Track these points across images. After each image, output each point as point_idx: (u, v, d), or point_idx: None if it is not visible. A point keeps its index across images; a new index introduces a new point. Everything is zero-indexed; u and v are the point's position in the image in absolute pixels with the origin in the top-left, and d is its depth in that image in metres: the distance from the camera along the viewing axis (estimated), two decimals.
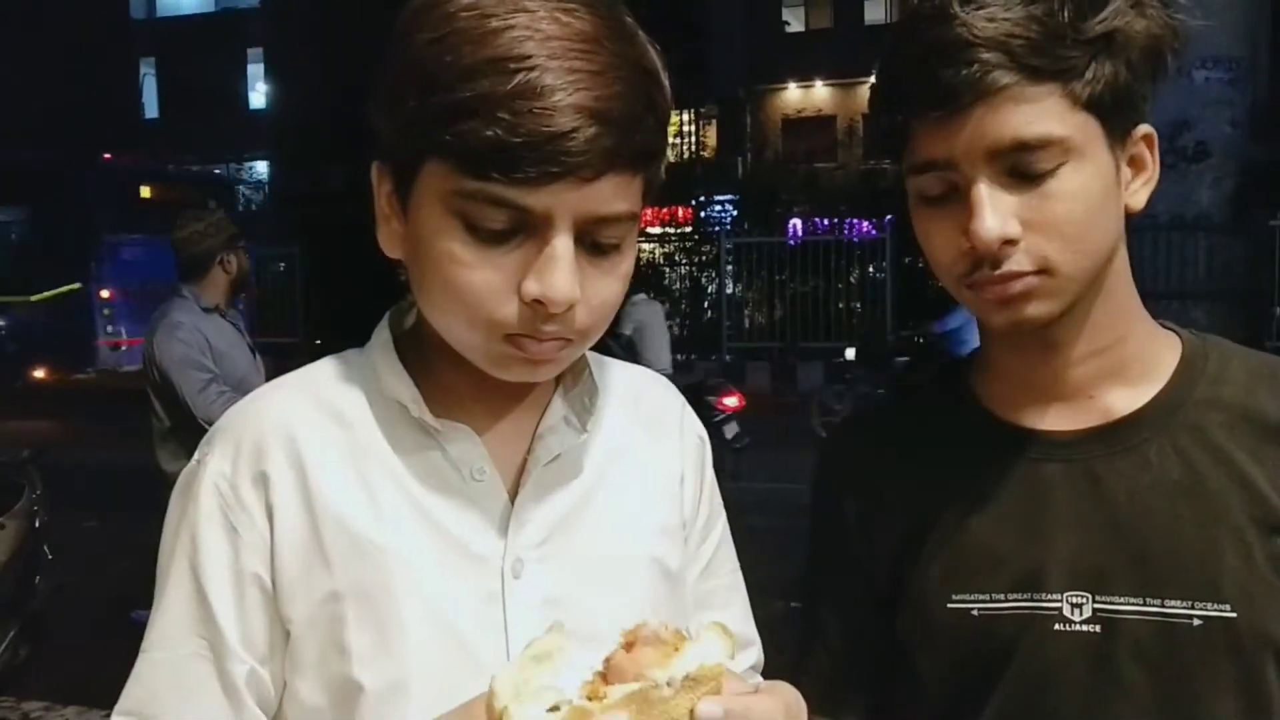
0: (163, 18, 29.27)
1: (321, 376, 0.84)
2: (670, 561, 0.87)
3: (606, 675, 0.64)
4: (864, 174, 19.70)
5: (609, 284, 0.75)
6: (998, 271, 0.82)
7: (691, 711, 0.62)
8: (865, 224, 15.10)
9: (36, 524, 4.03)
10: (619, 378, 0.92)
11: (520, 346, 0.73)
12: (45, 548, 4.07)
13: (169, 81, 28.16)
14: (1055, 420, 0.91)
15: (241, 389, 3.39)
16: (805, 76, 24.10)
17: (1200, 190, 2.76)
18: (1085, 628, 0.87)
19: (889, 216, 14.50)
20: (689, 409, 0.96)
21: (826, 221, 15.74)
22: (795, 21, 25.80)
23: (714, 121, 24.06)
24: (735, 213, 18.06)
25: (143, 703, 0.77)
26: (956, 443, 0.95)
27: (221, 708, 0.76)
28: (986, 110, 0.80)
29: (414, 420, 0.80)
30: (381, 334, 0.84)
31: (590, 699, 0.62)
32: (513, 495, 0.81)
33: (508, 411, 0.83)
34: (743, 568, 0.98)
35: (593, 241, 0.72)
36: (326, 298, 15.65)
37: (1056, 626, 0.87)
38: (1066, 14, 0.79)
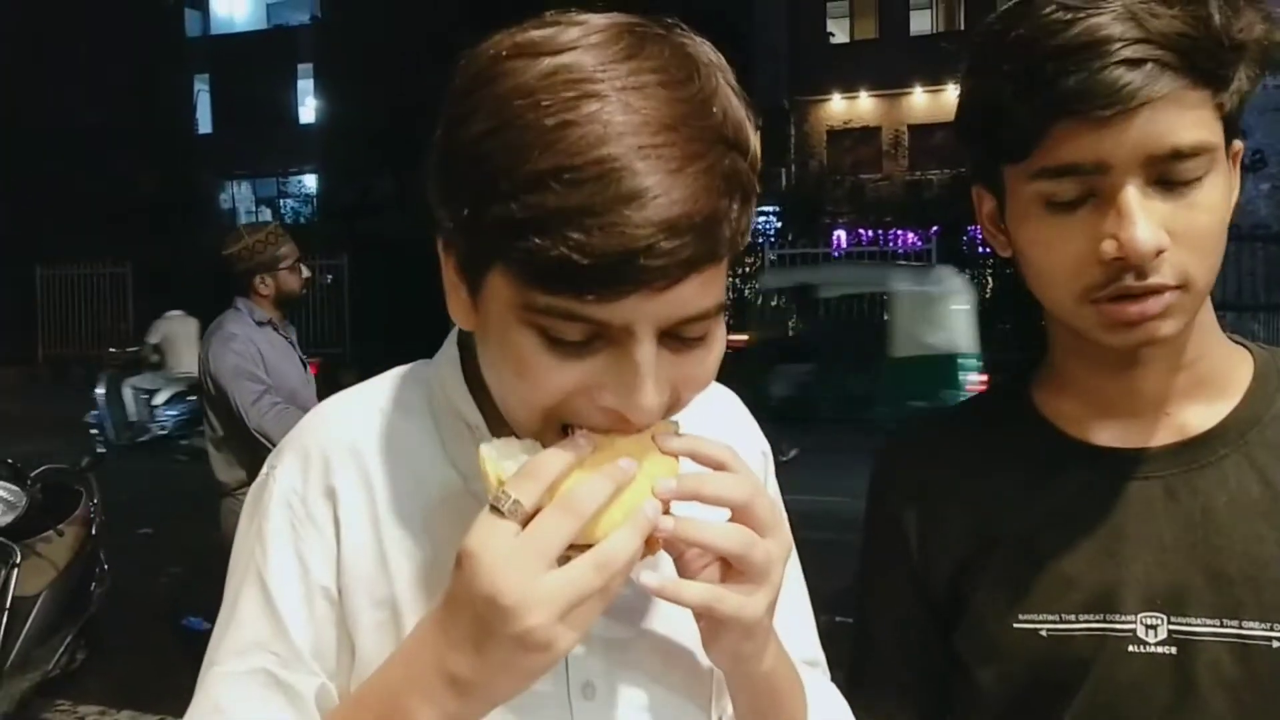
0: (216, 35, 29.92)
1: (388, 391, 0.83)
2: None
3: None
4: (909, 185, 19.56)
5: (695, 374, 0.69)
6: (1144, 283, 0.78)
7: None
8: (910, 235, 14.97)
9: (93, 531, 4.12)
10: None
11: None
12: (101, 554, 4.17)
13: (222, 97, 28.75)
14: (1130, 437, 0.89)
15: (293, 401, 3.44)
16: (850, 88, 23.98)
17: (1257, 200, 2.71)
18: (1161, 649, 0.84)
19: (934, 227, 14.38)
20: (752, 422, 0.95)
21: (871, 233, 15.63)
22: (840, 33, 25.68)
23: (758, 132, 23.92)
24: (779, 224, 18.00)
25: (210, 717, 0.75)
26: (1022, 459, 0.93)
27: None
28: (1153, 113, 0.75)
29: (478, 440, 0.77)
30: (449, 349, 0.82)
31: None
32: None
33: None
34: None
35: (677, 336, 0.67)
36: (374, 309, 15.86)
37: (1131, 648, 0.85)
38: (1219, 18, 0.75)
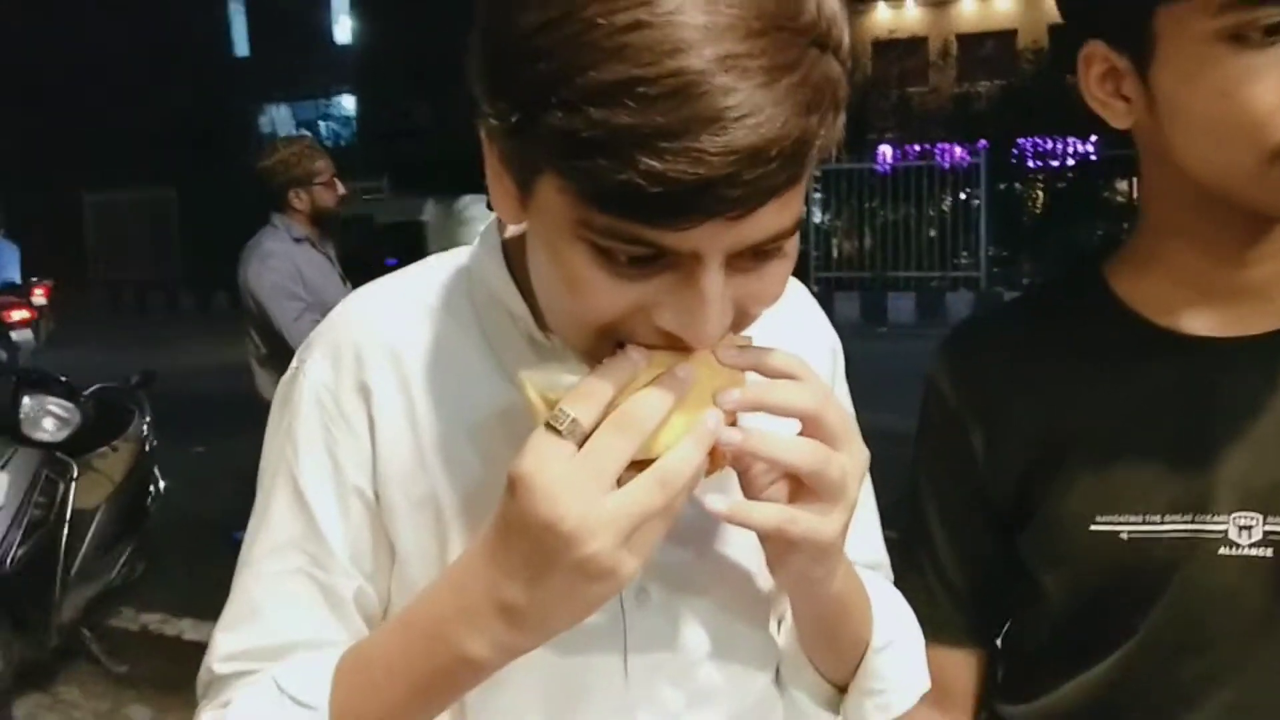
0: None
1: (424, 280, 0.78)
2: None
3: None
4: (957, 98, 19.00)
5: (764, 289, 0.63)
6: None
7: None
8: (958, 149, 14.59)
9: (147, 447, 4.22)
10: None
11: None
12: (156, 470, 4.27)
13: (257, 18, 28.52)
14: (1225, 324, 0.82)
15: None
16: None
17: None
18: (1255, 551, 0.79)
19: (982, 141, 14.00)
20: (822, 316, 0.89)
21: (918, 147, 15.26)
22: None
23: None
24: None
25: (244, 618, 0.73)
26: (1100, 349, 0.86)
27: (327, 623, 0.72)
28: None
29: (520, 335, 0.74)
30: (489, 238, 0.77)
31: None
32: None
33: None
34: None
35: (749, 254, 0.60)
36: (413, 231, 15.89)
37: (1221, 551, 0.80)
38: None
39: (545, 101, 0.54)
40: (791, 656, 0.81)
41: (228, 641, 0.73)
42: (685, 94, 0.52)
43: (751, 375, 0.65)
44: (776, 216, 0.58)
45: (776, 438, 0.63)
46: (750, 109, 0.52)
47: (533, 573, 0.60)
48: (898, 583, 0.90)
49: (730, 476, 0.67)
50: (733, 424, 0.62)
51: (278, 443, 0.76)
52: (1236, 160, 0.73)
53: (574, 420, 0.59)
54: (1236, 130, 0.72)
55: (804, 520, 0.63)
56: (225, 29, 28.36)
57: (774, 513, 0.64)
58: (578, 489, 0.57)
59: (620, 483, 0.59)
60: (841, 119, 0.59)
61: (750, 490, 0.66)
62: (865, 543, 0.87)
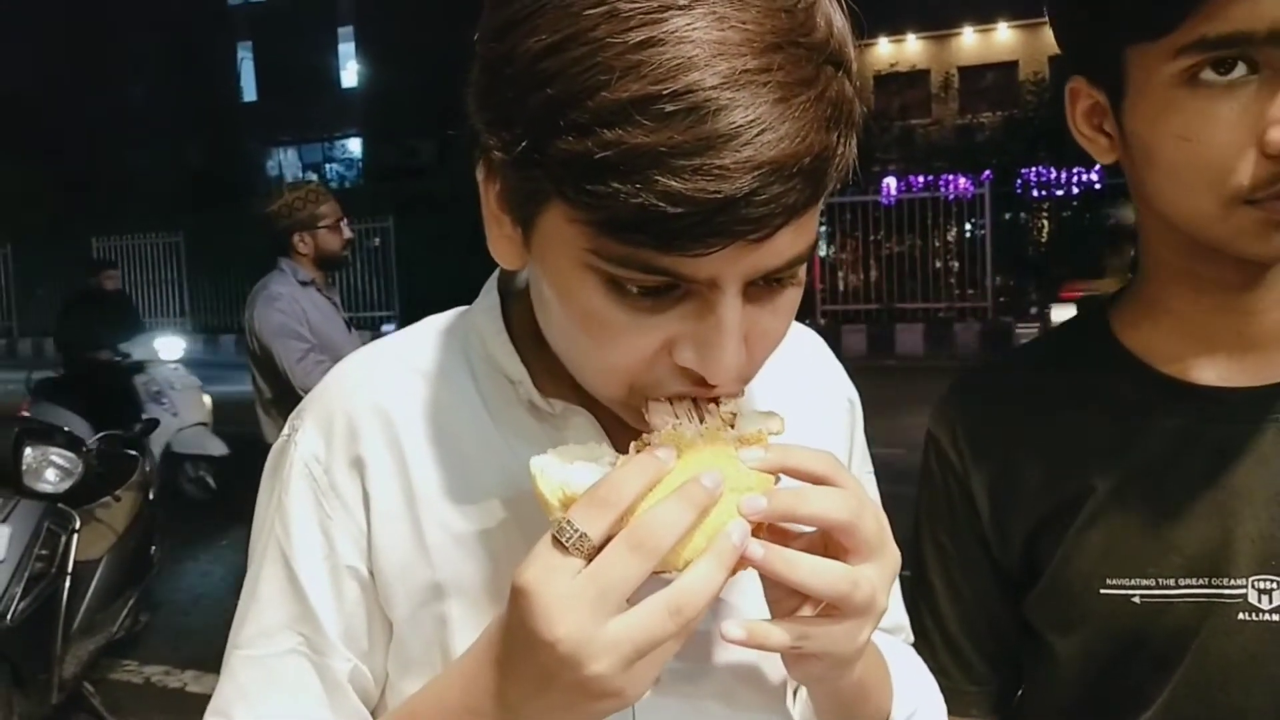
0: (257, 1, 30.02)
1: (420, 344, 0.75)
2: None
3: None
4: (960, 129, 19.08)
5: (775, 325, 0.61)
6: None
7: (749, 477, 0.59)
8: (962, 180, 14.62)
9: (150, 495, 4.18)
10: None
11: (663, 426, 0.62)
12: (159, 518, 4.23)
13: (265, 64, 28.88)
14: (1238, 375, 0.79)
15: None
16: (897, 30, 23.40)
17: None
18: (1277, 617, 0.75)
19: (986, 172, 14.03)
20: (837, 367, 0.85)
21: (922, 179, 15.29)
22: None
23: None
24: None
25: (236, 703, 0.71)
26: (1108, 402, 0.82)
27: (322, 706, 0.70)
28: None
29: (519, 400, 0.71)
30: (488, 296, 0.73)
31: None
32: None
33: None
34: None
35: (764, 280, 0.58)
36: (421, 271, 15.94)
37: (1240, 616, 0.76)
38: None
39: (554, 126, 0.52)
40: None
41: None
42: (701, 110, 0.50)
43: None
44: (794, 240, 0.56)
45: (800, 561, 0.58)
46: (769, 124, 0.51)
47: (535, 684, 0.57)
48: None
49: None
50: (759, 532, 0.58)
51: (269, 516, 0.73)
52: (1199, 204, 0.72)
53: (582, 535, 0.55)
54: (1196, 175, 0.71)
55: (824, 638, 0.59)
56: (234, 75, 28.72)
57: (793, 634, 0.59)
58: (579, 610, 0.54)
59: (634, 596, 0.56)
60: (855, 141, 0.57)
61: (771, 594, 0.62)
62: (890, 606, 0.82)
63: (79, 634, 3.50)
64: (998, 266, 13.89)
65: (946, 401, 0.93)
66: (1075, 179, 14.34)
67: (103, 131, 20.87)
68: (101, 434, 3.92)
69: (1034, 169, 14.65)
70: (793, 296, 0.61)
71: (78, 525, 3.48)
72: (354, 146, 27.46)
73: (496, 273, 0.74)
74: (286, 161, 29.32)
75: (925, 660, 0.87)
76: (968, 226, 14.24)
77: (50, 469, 3.41)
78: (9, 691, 3.07)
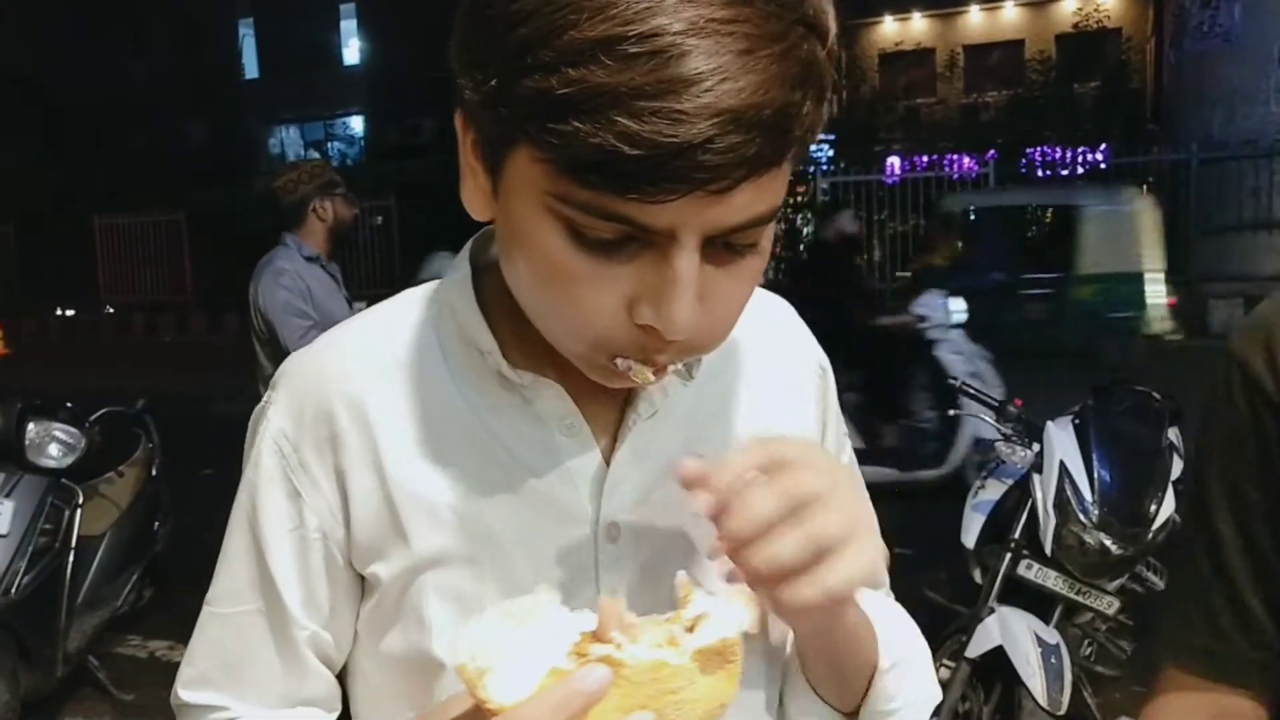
0: None
1: (392, 318, 0.76)
2: None
3: (598, 636, 0.55)
4: (965, 109, 18.98)
5: (736, 290, 0.62)
6: None
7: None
8: (967, 159, 14.55)
9: (153, 471, 4.19)
10: None
11: (624, 372, 0.63)
12: (163, 494, 4.24)
13: (267, 41, 28.72)
14: None
15: None
16: (902, 8, 23.22)
17: None
18: None
19: (991, 151, 13.96)
20: (808, 335, 0.85)
21: (926, 158, 15.22)
22: None
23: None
24: (831, 152, 17.63)
25: (201, 651, 0.77)
26: None
27: (281, 665, 0.75)
28: None
29: (491, 372, 0.72)
30: (461, 268, 0.75)
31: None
32: (607, 454, 0.72)
33: None
34: None
35: (725, 243, 0.59)
36: (422, 250, 15.92)
37: None
38: None
39: (523, 65, 0.53)
40: (797, 686, 0.78)
41: (190, 669, 0.78)
42: (665, 54, 0.51)
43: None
44: (754, 200, 0.56)
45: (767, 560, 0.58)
46: (731, 73, 0.51)
47: None
48: (1171, 608, 0.82)
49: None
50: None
51: (243, 487, 0.76)
52: None
53: None
54: None
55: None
56: (235, 52, 28.56)
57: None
58: None
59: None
60: (826, 110, 0.58)
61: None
62: None
63: (83, 608, 3.52)
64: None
65: (1257, 318, 0.80)
66: (1081, 159, 14.26)
67: (103, 109, 20.79)
68: (103, 410, 3.92)
69: (1039, 149, 14.58)
70: (754, 264, 0.62)
71: (81, 500, 3.49)
72: (356, 124, 27.34)
73: (469, 245, 0.76)
74: (288, 139, 29.20)
75: (1201, 623, 0.80)
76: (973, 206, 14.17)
77: (53, 444, 3.42)
78: (14, 665, 3.09)
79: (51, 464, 3.40)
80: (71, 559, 3.41)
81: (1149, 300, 8.14)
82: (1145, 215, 8.84)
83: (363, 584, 0.75)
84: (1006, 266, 9.95)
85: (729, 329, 0.64)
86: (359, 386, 0.73)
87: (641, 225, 0.55)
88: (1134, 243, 8.38)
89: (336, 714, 0.79)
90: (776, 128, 0.53)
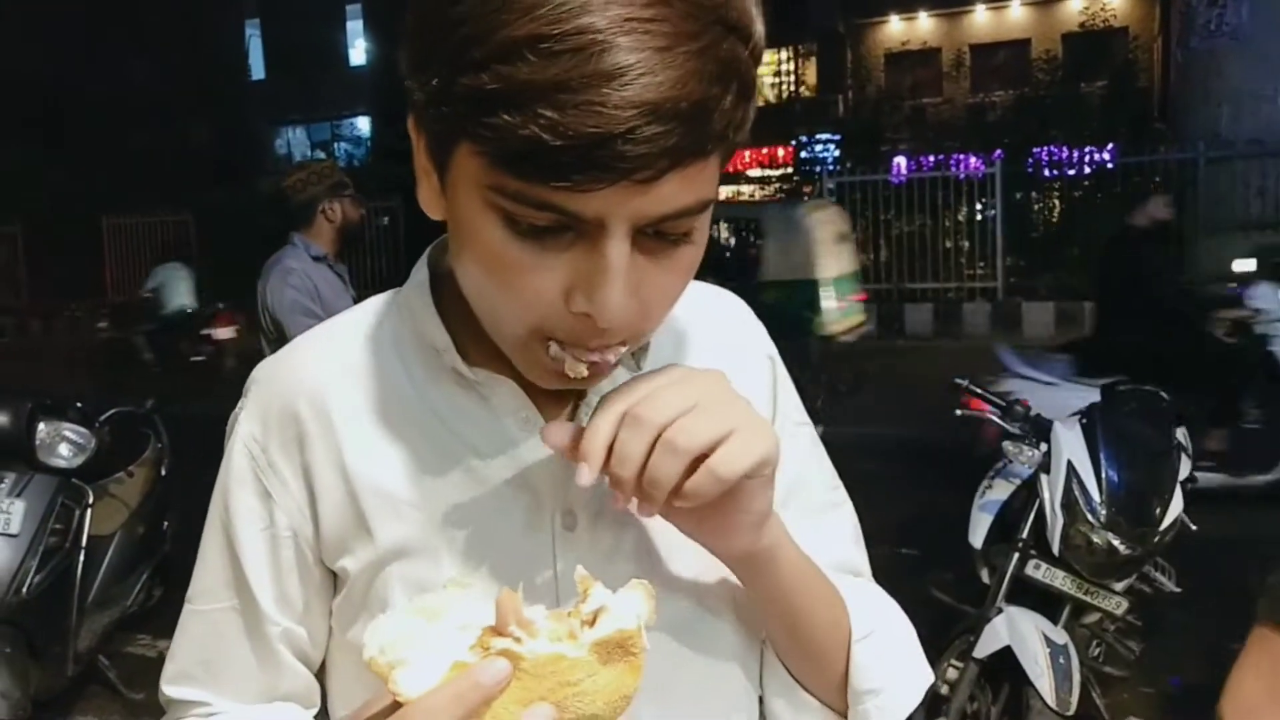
0: None
1: (356, 324, 0.80)
2: None
3: (497, 631, 0.56)
4: (971, 108, 18.93)
5: (669, 281, 0.64)
6: None
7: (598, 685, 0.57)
8: (973, 159, 14.52)
9: (162, 471, 4.21)
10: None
11: (558, 366, 0.65)
12: (171, 494, 4.26)
13: (273, 43, 28.78)
14: None
15: None
16: (908, 8, 23.20)
17: None
18: None
19: (998, 151, 13.92)
20: (754, 324, 0.87)
21: (932, 158, 15.20)
22: None
23: (813, 58, 23.40)
24: (837, 152, 17.60)
25: (182, 646, 0.81)
26: None
27: (257, 661, 0.78)
28: None
29: (450, 370, 0.75)
30: (419, 273, 0.78)
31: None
32: None
33: None
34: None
35: (656, 232, 0.61)
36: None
37: None
38: None
39: (460, 64, 0.57)
40: (779, 682, 0.79)
41: (172, 665, 0.81)
42: (587, 50, 0.54)
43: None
44: (680, 191, 0.59)
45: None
46: (650, 68, 0.54)
47: None
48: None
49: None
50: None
51: (217, 488, 0.79)
52: None
53: None
54: None
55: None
56: (242, 53, 28.62)
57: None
58: None
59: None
60: (751, 109, 0.61)
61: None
62: (835, 545, 0.84)
63: (93, 608, 3.54)
64: (1008, 246, 13.80)
65: None
66: (1088, 158, 14.23)
67: (110, 110, 20.84)
68: (112, 410, 3.94)
69: (1046, 148, 14.54)
70: (689, 255, 0.64)
71: (91, 500, 3.51)
72: (362, 125, 27.38)
73: (427, 252, 0.79)
74: (294, 140, 29.26)
75: None
76: (978, 206, 14.14)
77: (63, 444, 3.43)
78: (25, 663, 3.11)
79: (62, 464, 3.42)
80: (82, 558, 3.42)
81: (823, 303, 8.64)
82: (823, 226, 9.21)
83: (334, 580, 0.78)
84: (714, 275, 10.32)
85: (661, 318, 0.66)
86: (322, 387, 0.76)
87: (572, 214, 0.58)
88: (806, 251, 8.88)
89: (315, 710, 0.81)
90: (695, 120, 0.56)
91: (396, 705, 0.56)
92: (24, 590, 3.14)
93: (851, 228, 10.06)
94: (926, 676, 0.81)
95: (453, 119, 0.59)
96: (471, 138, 0.58)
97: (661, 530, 0.74)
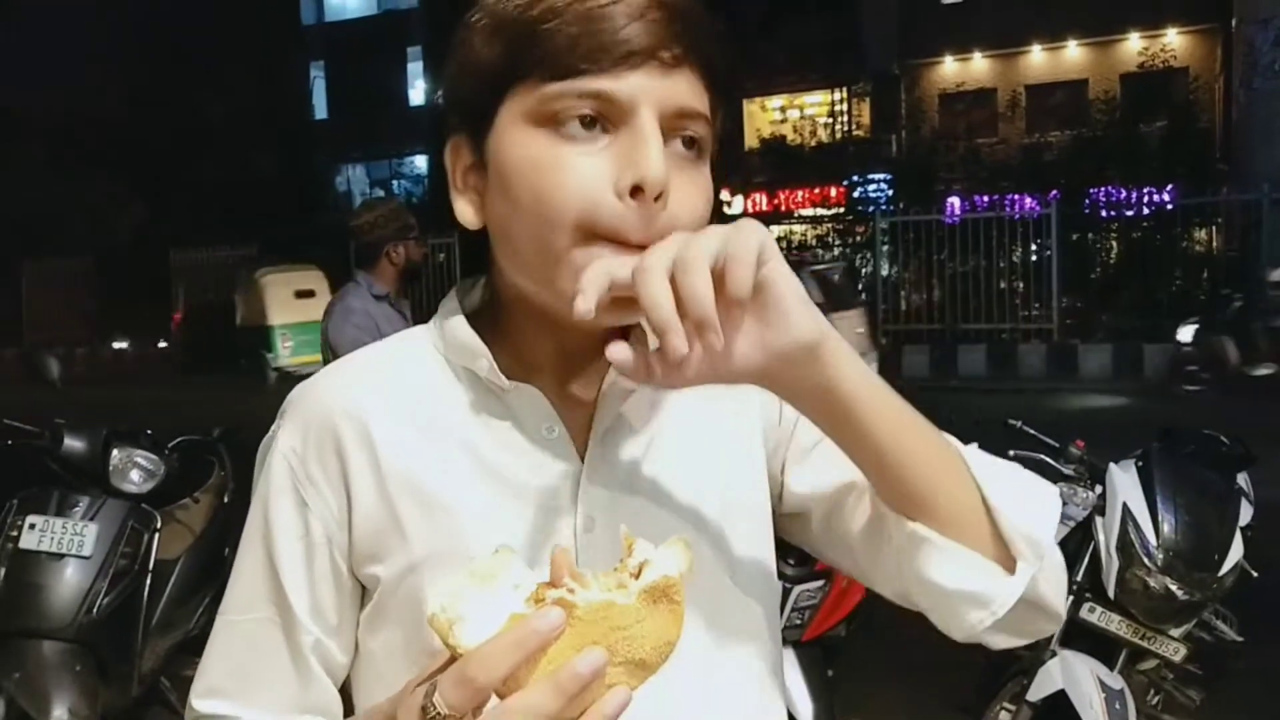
0: (330, 22, 30.76)
1: (390, 348, 0.87)
2: (747, 498, 0.86)
3: (552, 585, 0.60)
4: (1026, 148, 18.80)
5: (690, 195, 0.72)
6: None
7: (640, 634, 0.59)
8: (1029, 200, 14.41)
9: (225, 499, 4.31)
10: None
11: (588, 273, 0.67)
12: (232, 521, 4.37)
13: (337, 83, 29.57)
14: None
15: None
16: (963, 48, 23.18)
17: None
18: None
19: (1054, 191, 13.80)
20: None
21: (987, 198, 15.10)
22: None
23: (867, 99, 23.45)
24: (890, 191, 17.57)
25: (214, 661, 0.83)
26: None
27: (289, 671, 0.80)
28: None
29: (481, 386, 0.81)
30: (449, 304, 0.85)
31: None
32: (582, 453, 0.81)
33: (577, 374, 0.83)
34: None
35: (677, 138, 0.72)
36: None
37: None
38: None
39: (500, 29, 0.72)
40: (895, 529, 0.78)
41: (203, 680, 0.83)
42: None
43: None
44: (691, 92, 0.72)
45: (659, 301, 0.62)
46: None
47: None
48: None
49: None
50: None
51: (255, 503, 0.83)
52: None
53: (445, 717, 0.58)
54: None
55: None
56: (306, 93, 29.44)
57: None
58: None
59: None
60: (733, 57, 0.76)
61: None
62: None
63: (158, 630, 3.62)
64: (1064, 287, 13.63)
65: None
66: (1146, 198, 14.04)
67: (181, 149, 21.53)
68: (180, 438, 4.06)
69: (1103, 189, 14.39)
70: (703, 179, 0.74)
71: (159, 525, 3.61)
72: (421, 163, 27.94)
73: (452, 291, 0.87)
74: (355, 177, 29.94)
75: None
76: (1033, 247, 14.00)
77: (135, 470, 3.54)
78: (95, 683, 3.20)
79: (133, 489, 3.52)
80: (149, 581, 3.51)
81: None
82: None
83: (363, 594, 0.81)
84: None
85: (691, 229, 0.69)
86: (358, 401, 0.81)
87: (609, 96, 0.69)
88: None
89: None
90: (692, 17, 0.72)
91: (455, 659, 0.60)
92: (94, 611, 3.24)
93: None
94: (1052, 489, 0.80)
95: (501, 71, 0.72)
96: (521, 73, 0.71)
97: (677, 527, 0.79)
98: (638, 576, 0.60)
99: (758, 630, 0.84)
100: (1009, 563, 0.76)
